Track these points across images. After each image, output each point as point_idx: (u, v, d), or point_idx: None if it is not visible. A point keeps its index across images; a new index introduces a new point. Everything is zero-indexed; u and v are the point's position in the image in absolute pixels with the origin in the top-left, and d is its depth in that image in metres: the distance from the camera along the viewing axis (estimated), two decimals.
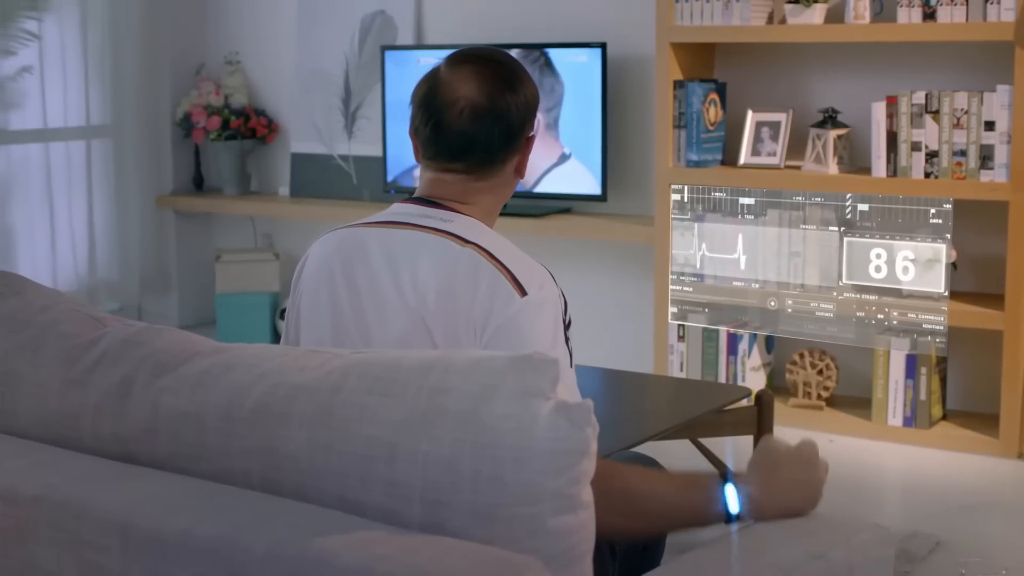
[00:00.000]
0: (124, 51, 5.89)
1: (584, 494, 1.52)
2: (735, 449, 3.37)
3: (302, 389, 1.59)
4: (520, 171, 2.24)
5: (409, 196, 2.23)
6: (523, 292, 2.05)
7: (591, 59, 4.99)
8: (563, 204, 5.22)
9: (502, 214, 5.50)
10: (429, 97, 2.15)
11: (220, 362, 1.69)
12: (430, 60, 5.24)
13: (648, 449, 3.27)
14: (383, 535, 1.43)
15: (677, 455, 3.72)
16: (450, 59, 2.18)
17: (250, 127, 5.96)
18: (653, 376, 3.59)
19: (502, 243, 2.13)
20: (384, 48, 5.45)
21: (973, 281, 4.54)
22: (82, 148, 5.86)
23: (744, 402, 3.33)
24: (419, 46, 5.47)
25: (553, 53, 5.06)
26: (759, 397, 3.25)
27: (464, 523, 1.47)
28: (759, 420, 3.25)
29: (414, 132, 2.19)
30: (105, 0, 5.81)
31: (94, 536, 1.57)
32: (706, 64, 4.90)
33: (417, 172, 2.25)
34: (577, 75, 5.03)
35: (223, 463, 1.62)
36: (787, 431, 4.57)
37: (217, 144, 5.94)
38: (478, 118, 2.12)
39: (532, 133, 2.22)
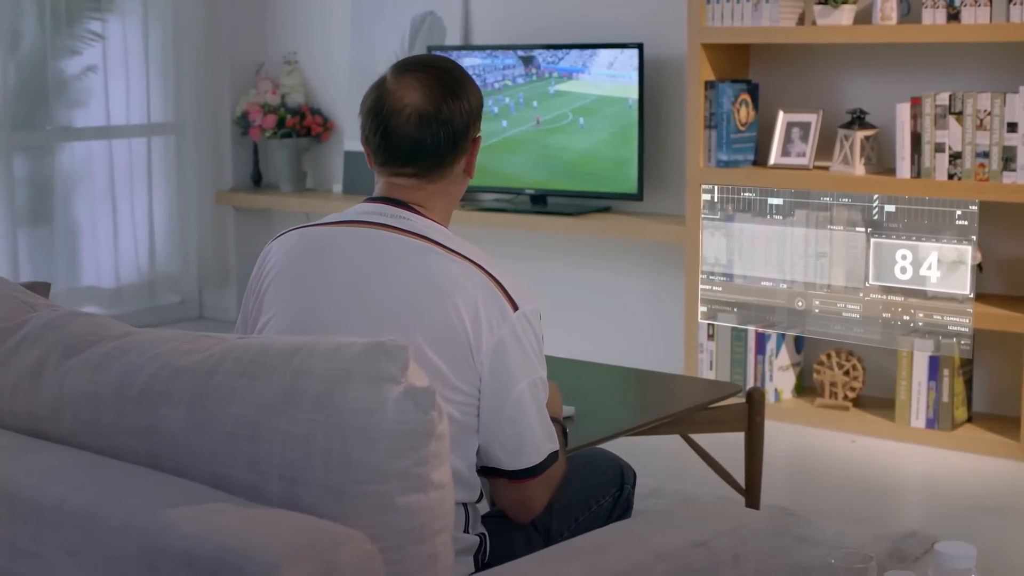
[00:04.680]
0: (185, 51, 6.07)
1: (435, 475, 1.59)
2: (725, 445, 3.40)
3: (183, 371, 1.69)
4: (469, 171, 2.33)
5: (372, 196, 2.31)
6: (515, 306, 2.13)
7: (629, 59, 5.04)
8: (601, 203, 5.28)
9: (540, 212, 5.55)
10: (377, 106, 2.24)
11: (120, 345, 1.79)
12: (475, 60, 5.36)
13: (640, 444, 3.33)
14: (229, 507, 1.52)
15: (667, 451, 3.78)
16: (395, 68, 2.27)
17: (305, 125, 6.10)
18: (643, 371, 3.62)
19: (483, 254, 2.20)
20: (430, 49, 5.55)
21: (1000, 283, 4.51)
22: (144, 145, 6.06)
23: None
24: (464, 47, 5.56)
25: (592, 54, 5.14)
26: (750, 394, 3.26)
27: (317, 499, 1.56)
28: (750, 417, 3.27)
29: (365, 140, 2.29)
30: (168, 1, 5.99)
31: None
32: (741, 65, 4.92)
33: None
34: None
35: (115, 440, 1.73)
36: (812, 431, 4.61)
37: (274, 142, 6.09)
38: (424, 123, 2.21)
39: (478, 135, 2.30)
